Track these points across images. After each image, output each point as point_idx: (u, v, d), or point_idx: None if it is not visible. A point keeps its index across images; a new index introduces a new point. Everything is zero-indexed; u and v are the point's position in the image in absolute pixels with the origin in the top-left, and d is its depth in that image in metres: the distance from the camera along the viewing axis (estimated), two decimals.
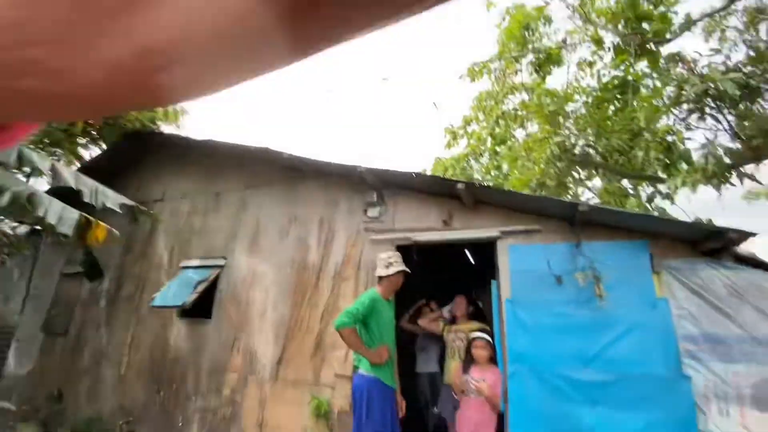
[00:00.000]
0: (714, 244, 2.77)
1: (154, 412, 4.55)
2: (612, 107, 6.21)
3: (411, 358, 4.56)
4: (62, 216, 2.88)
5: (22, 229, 6.30)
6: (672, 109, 5.20)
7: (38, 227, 3.10)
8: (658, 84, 5.68)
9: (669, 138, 5.15)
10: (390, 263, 3.06)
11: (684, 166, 5.02)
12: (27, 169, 3.26)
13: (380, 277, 3.10)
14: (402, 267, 3.01)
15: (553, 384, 2.99)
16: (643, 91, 5.83)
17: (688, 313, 2.82)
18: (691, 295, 2.84)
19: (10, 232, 5.86)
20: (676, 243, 2.99)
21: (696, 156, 4.63)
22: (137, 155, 6.22)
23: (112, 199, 3.60)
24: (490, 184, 9.05)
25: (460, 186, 3.29)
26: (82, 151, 7.52)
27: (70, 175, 3.28)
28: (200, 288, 4.43)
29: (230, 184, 5.14)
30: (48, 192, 5.16)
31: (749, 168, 4.91)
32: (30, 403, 5.60)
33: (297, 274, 4.21)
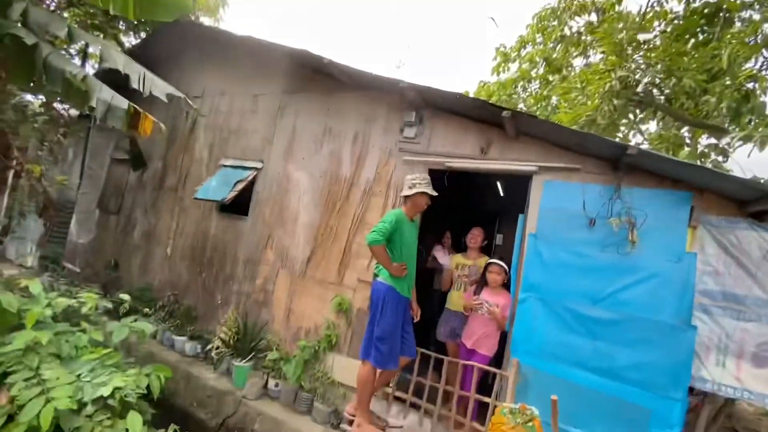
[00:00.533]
0: (764, 205, 2.63)
1: (197, 289, 5.18)
2: (693, 41, 5.43)
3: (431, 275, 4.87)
4: (112, 105, 2.98)
5: (74, 111, 6.60)
6: (764, 50, 4.52)
7: (88, 112, 3.22)
8: (757, 17, 4.86)
9: (749, 85, 4.56)
10: (414, 184, 3.12)
11: (753, 119, 4.52)
12: (76, 47, 3.29)
13: (405, 197, 3.19)
14: (424, 189, 3.07)
15: (558, 314, 3.17)
16: (737, 24, 5.02)
17: (714, 270, 2.81)
18: (722, 253, 2.80)
19: (64, 113, 6.16)
20: (722, 199, 2.86)
21: None
22: (177, 47, 6.13)
23: (160, 87, 3.63)
24: (536, 114, 8.53)
25: (505, 114, 3.14)
26: (122, 38, 7.45)
27: (120, 57, 3.29)
28: (239, 187, 4.69)
29: (268, 87, 5.09)
30: (95, 75, 5.27)
31: None
32: (91, 269, 6.46)
33: (329, 184, 4.35)
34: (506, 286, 3.53)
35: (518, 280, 3.36)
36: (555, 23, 6.99)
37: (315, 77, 4.65)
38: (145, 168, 5.99)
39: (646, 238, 2.90)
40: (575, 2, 5.89)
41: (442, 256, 4.30)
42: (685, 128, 6.13)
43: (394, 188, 3.95)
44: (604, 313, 3.02)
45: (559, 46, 6.84)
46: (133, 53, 5.85)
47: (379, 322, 3.08)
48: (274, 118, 4.96)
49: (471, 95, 9.19)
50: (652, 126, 6.69)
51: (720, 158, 5.22)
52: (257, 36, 4.57)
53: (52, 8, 6.59)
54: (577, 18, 6.46)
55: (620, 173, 3.04)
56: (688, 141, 6.14)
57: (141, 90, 3.35)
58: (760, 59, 4.70)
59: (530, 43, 8.00)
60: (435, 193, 3.12)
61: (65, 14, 6.63)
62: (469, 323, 3.62)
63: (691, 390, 2.77)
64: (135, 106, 3.21)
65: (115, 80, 3.80)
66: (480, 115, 3.65)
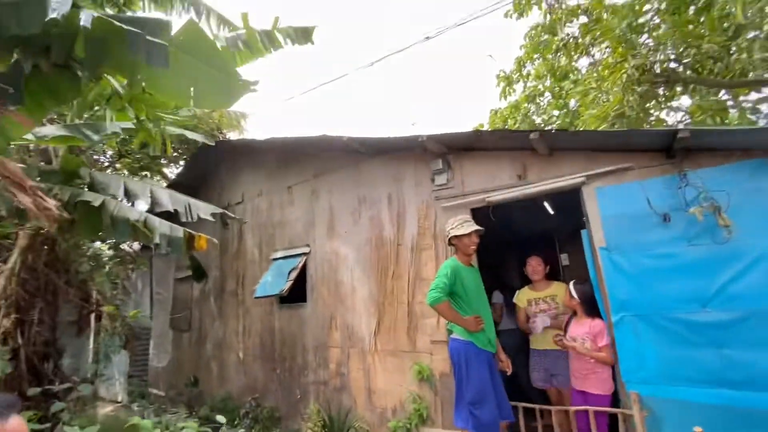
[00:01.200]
0: None
1: (274, 388, 5.14)
2: (693, 8, 5.26)
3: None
4: (171, 237, 3.31)
5: (136, 245, 7.29)
6: None
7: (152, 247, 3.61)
8: None
9: None
10: (455, 226, 3.03)
11: None
12: (131, 198, 3.76)
13: (451, 244, 3.09)
14: (466, 229, 2.95)
15: (665, 328, 2.79)
16: None
17: None
18: None
19: (129, 250, 6.83)
20: None
21: None
22: (213, 163, 6.78)
23: (203, 209, 3.99)
24: (554, 126, 8.37)
25: (533, 136, 3.08)
26: (165, 171, 8.40)
27: (165, 196, 3.72)
28: (293, 275, 4.80)
29: (299, 176, 5.40)
30: (149, 211, 5.89)
31: None
32: (174, 389, 6.65)
33: (376, 250, 4.36)
34: (593, 308, 3.16)
35: (605, 301, 3.04)
36: (548, 36, 7.10)
37: (339, 155, 4.89)
38: (206, 278, 6.35)
39: (738, 218, 2.57)
40: (563, 10, 5.99)
41: (524, 324, 3.76)
42: (723, 92, 5.73)
43: (441, 238, 3.87)
44: (719, 314, 2.62)
45: (560, 54, 6.87)
46: (178, 182, 6.51)
47: (467, 386, 2.83)
48: (310, 203, 5.18)
49: (487, 126, 9.29)
50: (685, 101, 6.31)
51: None
52: (278, 136, 4.97)
53: (106, 163, 7.63)
54: (568, 24, 6.53)
55: (678, 160, 2.81)
56: (731, 103, 5.70)
57: (189, 219, 3.70)
58: None
59: (529, 62, 8.12)
60: (479, 228, 3.00)
61: (117, 165, 7.63)
62: (571, 362, 3.21)
63: None
64: (189, 230, 3.50)
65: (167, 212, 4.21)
66: (507, 144, 3.61)
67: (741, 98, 5.71)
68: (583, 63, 7.49)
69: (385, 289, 4.20)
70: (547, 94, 8.47)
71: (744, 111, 5.49)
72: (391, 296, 4.13)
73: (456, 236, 3.02)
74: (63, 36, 2.03)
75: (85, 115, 3.86)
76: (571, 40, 6.73)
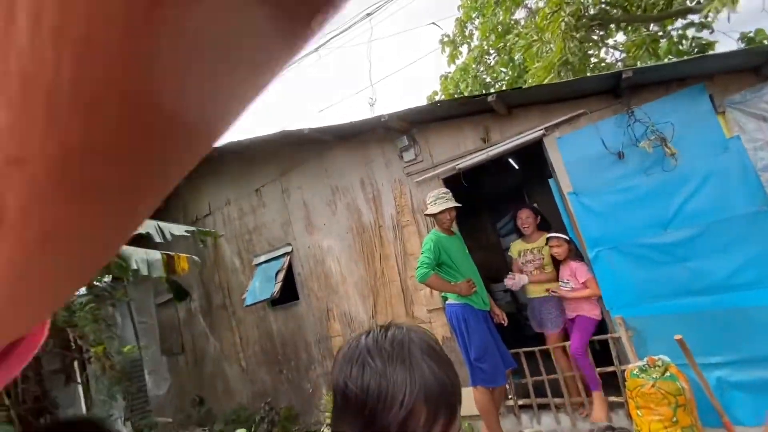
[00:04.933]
0: None
1: (284, 388, 5.19)
2: None
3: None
4: (149, 261, 3.19)
5: (107, 278, 6.94)
6: None
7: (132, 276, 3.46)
8: None
9: None
10: (432, 202, 3.13)
11: None
12: None
13: (431, 217, 3.20)
14: (442, 206, 3.05)
15: (637, 254, 3.05)
16: None
17: (764, 142, 2.69)
18: (763, 124, 2.69)
19: (102, 285, 6.49)
20: (733, 76, 2.79)
21: None
22: None
23: (174, 229, 3.88)
24: (504, 83, 8.55)
25: (491, 98, 3.18)
26: None
27: None
28: (280, 277, 4.78)
29: (266, 177, 5.28)
30: None
31: None
32: (181, 413, 6.56)
33: (359, 236, 4.40)
34: (577, 254, 3.36)
35: (580, 241, 3.27)
36: None
37: (303, 148, 4.81)
38: (189, 298, 6.18)
39: (682, 145, 2.81)
40: None
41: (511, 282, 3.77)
42: (653, 25, 6.06)
43: (420, 212, 3.97)
44: (679, 233, 2.90)
45: (498, 10, 6.96)
46: None
47: (470, 345, 3.01)
48: (283, 201, 5.11)
49: (441, 95, 9.35)
50: (620, 37, 6.62)
51: (707, 32, 5.10)
52: (236, 139, 4.80)
53: None
54: None
55: (625, 99, 3.00)
56: (661, 34, 6.04)
57: (162, 240, 3.58)
58: None
59: (469, 22, 8.17)
60: (456, 204, 3.11)
61: None
62: (564, 302, 3.42)
63: None
64: (166, 253, 3.40)
65: (139, 235, 4.04)
66: (466, 110, 3.69)
67: (669, 28, 6.06)
68: (522, 15, 7.64)
69: (375, 271, 4.29)
70: (492, 52, 8.59)
71: (672, 39, 5.84)
72: (383, 277, 4.23)
73: (430, 214, 3.14)
74: None
75: None
76: None
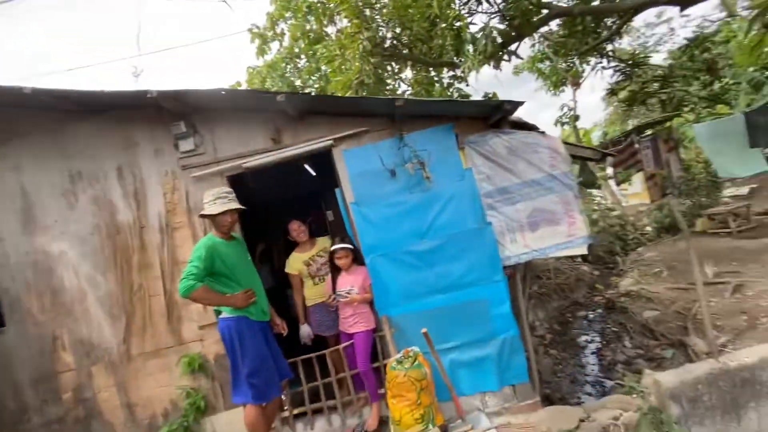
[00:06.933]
0: (497, 115, 3.40)
1: None
2: None
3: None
4: None
5: None
6: None
7: None
8: None
9: (457, 24, 5.69)
10: (210, 203, 2.79)
11: (471, 49, 5.73)
12: None
13: (208, 218, 2.84)
14: (221, 207, 2.75)
15: (400, 260, 3.49)
16: None
17: (486, 176, 3.52)
18: (486, 161, 3.53)
19: None
20: (472, 121, 3.56)
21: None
22: None
23: None
24: (312, 90, 8.71)
25: (280, 98, 3.03)
26: None
27: None
28: None
29: None
30: None
31: (514, 46, 5.96)
32: None
33: (109, 239, 3.46)
34: (359, 260, 3.57)
35: (359, 247, 3.50)
36: None
37: (29, 114, 3.45)
38: None
39: (435, 171, 3.40)
40: None
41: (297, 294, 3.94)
42: (430, 68, 7.34)
43: (197, 212, 3.43)
44: (430, 243, 3.47)
45: (310, 17, 7.00)
46: None
47: (244, 360, 2.77)
48: None
49: (245, 85, 8.69)
50: (409, 73, 7.74)
51: (464, 85, 6.48)
52: None
53: None
54: None
55: (398, 124, 3.40)
56: (436, 79, 7.40)
57: None
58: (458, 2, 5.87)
59: (281, 20, 7.93)
60: (239, 207, 2.84)
61: None
62: (341, 312, 3.57)
63: (505, 268, 3.51)
64: None
65: None
66: (257, 105, 3.43)
67: (442, 75, 7.47)
68: (332, 30, 7.95)
69: (131, 283, 3.45)
70: (302, 56, 8.60)
71: (442, 85, 7.22)
72: (141, 290, 3.44)
73: (207, 215, 2.75)
74: None
75: None
76: (318, 4, 6.94)
